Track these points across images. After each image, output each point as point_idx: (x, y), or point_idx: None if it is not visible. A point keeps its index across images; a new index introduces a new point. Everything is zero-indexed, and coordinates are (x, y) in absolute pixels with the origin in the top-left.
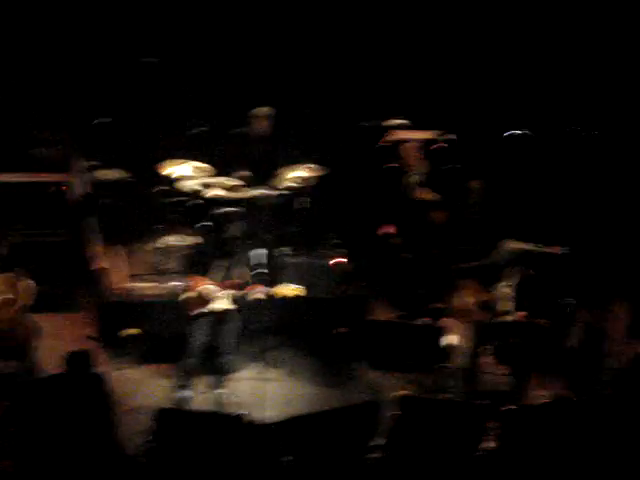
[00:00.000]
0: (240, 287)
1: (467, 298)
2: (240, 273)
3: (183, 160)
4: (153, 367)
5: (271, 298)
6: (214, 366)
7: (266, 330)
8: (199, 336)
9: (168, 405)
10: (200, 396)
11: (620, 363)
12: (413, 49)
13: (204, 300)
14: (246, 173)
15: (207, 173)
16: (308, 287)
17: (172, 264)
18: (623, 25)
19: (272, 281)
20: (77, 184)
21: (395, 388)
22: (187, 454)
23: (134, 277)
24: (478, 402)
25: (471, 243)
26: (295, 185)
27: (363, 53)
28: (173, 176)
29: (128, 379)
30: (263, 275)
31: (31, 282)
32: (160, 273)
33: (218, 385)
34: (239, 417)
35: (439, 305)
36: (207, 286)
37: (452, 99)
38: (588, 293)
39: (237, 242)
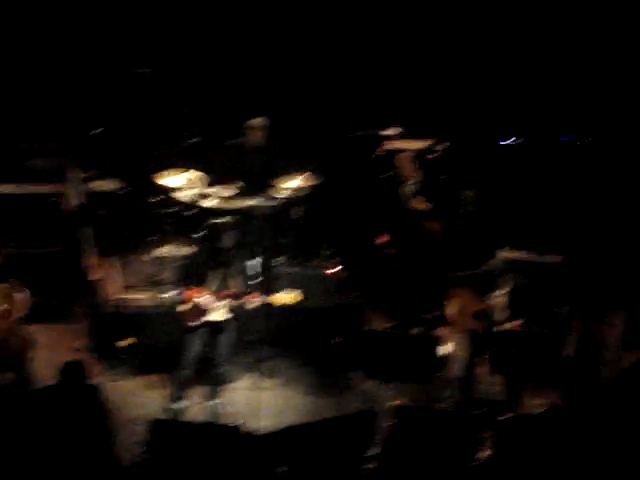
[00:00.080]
0: (236, 297)
1: (462, 307)
2: (235, 283)
3: (178, 170)
4: (148, 378)
5: (267, 307)
6: (209, 376)
7: (261, 340)
8: (194, 347)
9: (163, 416)
10: (195, 407)
11: (615, 372)
12: (408, 59)
13: (200, 311)
14: (241, 183)
15: (202, 183)
16: (302, 297)
17: (167, 275)
18: (618, 32)
19: (267, 291)
20: (72, 195)
21: (390, 398)
22: (182, 465)
23: (129, 288)
24: (473, 411)
25: (465, 252)
26: (290, 195)
27: (358, 63)
28: (168, 186)
29: (123, 390)
30: (258, 285)
31: (26, 293)
32: (155, 284)
33: (213, 395)
34: (235, 427)
35: (434, 314)
36: (203, 297)
37: (446, 108)
38: (583, 301)
39: (232, 252)
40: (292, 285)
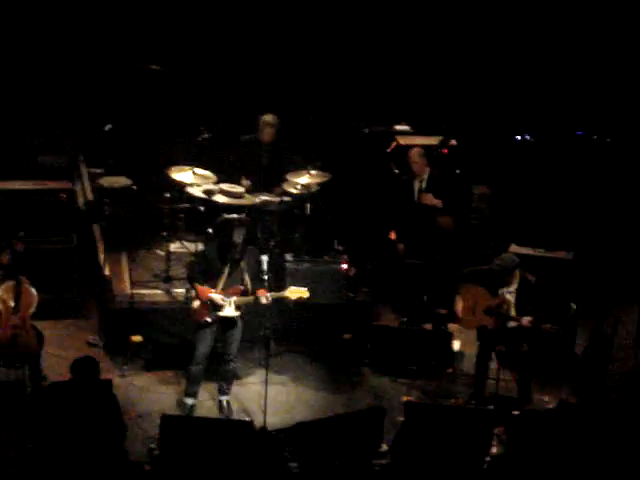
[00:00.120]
0: (246, 293)
1: (473, 303)
2: (246, 279)
3: (188, 167)
4: (160, 374)
5: (278, 303)
6: (221, 372)
7: (272, 336)
8: (205, 343)
9: (175, 412)
10: (207, 402)
11: (626, 368)
12: (417, 55)
13: (211, 307)
14: (252, 179)
15: (212, 180)
16: (313, 293)
17: (178, 270)
18: (627, 30)
19: (277, 287)
20: (83, 191)
21: (401, 393)
22: (193, 461)
23: (140, 284)
24: (484, 407)
25: (476, 248)
26: (300, 191)
27: (367, 60)
28: (179, 182)
29: (133, 386)
30: (269, 281)
31: (35, 290)
32: (166, 280)
33: (225, 391)
34: (246, 423)
35: (444, 310)
36: (214, 293)
37: (456, 105)
38: (594, 298)
39: (243, 248)
40: (303, 281)
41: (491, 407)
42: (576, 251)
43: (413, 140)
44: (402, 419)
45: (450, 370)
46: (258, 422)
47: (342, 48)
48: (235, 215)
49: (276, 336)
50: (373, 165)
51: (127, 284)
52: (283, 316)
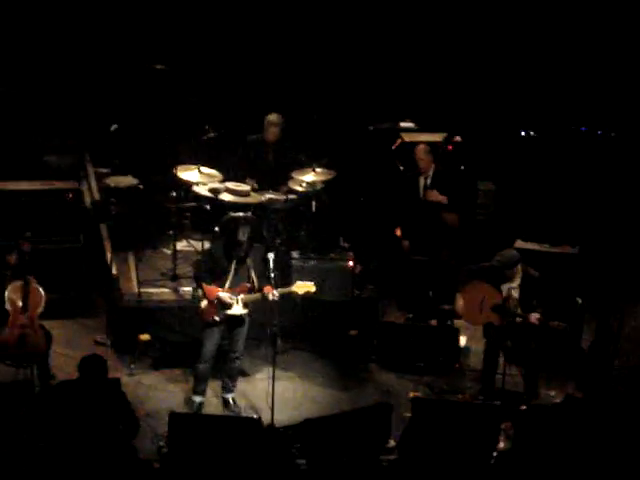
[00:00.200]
0: (252, 291)
1: (479, 299)
2: (252, 277)
3: (194, 166)
4: (167, 372)
5: (284, 301)
6: (228, 370)
7: (279, 333)
8: (213, 340)
9: (183, 409)
10: (213, 400)
11: (632, 362)
12: (421, 52)
13: (218, 305)
14: (257, 179)
15: (218, 178)
16: (319, 290)
17: (185, 269)
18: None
19: (283, 284)
20: (89, 191)
21: (407, 390)
22: (201, 458)
23: (147, 283)
24: (491, 403)
25: (481, 244)
26: (306, 189)
27: (372, 57)
28: (185, 181)
29: (141, 384)
30: (275, 279)
31: (43, 289)
32: (172, 279)
33: (232, 389)
34: (253, 420)
35: (451, 307)
36: (220, 292)
37: (462, 101)
38: (600, 293)
39: (248, 246)
40: (309, 278)
41: (498, 402)
42: (581, 246)
43: (418, 137)
44: (409, 415)
45: (457, 365)
46: (265, 419)
47: (346, 46)
48: (241, 213)
49: (283, 333)
50: (378, 162)
51: (134, 283)
52: (290, 313)
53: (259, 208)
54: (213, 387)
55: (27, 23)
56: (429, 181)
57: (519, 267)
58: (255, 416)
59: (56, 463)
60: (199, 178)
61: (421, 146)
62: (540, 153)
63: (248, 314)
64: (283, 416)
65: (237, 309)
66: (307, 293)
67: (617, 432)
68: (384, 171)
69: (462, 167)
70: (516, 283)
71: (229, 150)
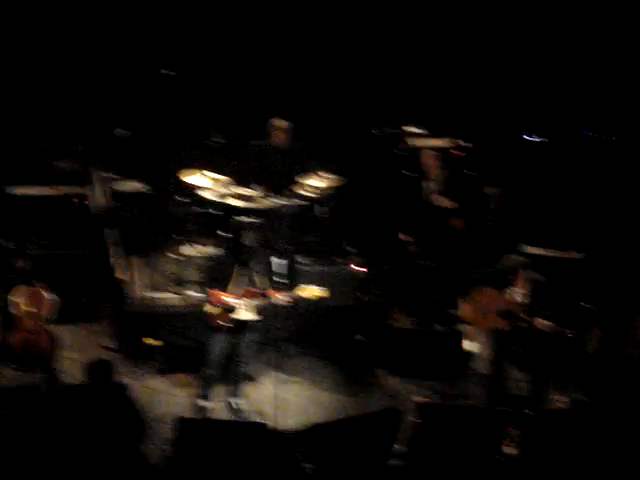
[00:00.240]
0: (261, 296)
1: (487, 305)
2: (260, 282)
3: (201, 171)
4: (174, 377)
5: (291, 305)
6: (235, 375)
7: (286, 338)
8: (220, 345)
9: (190, 414)
10: (221, 405)
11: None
12: (429, 56)
13: (225, 310)
14: (263, 184)
15: (225, 183)
16: (327, 294)
17: (193, 274)
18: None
19: (289, 289)
20: (98, 196)
21: (415, 395)
22: (207, 463)
23: (155, 287)
24: (498, 408)
25: (489, 249)
26: (313, 194)
27: (379, 61)
28: (193, 186)
29: (150, 389)
30: (283, 284)
31: (52, 294)
32: (180, 283)
33: (239, 394)
34: (260, 425)
35: (458, 312)
36: (226, 297)
37: (468, 106)
38: (608, 298)
39: (256, 252)
40: (316, 283)
41: (505, 408)
42: (588, 251)
43: (425, 142)
44: (416, 420)
45: (464, 371)
46: (272, 424)
47: (353, 51)
48: (247, 218)
49: (288, 338)
50: (385, 167)
51: (141, 288)
52: (295, 318)
53: (265, 213)
54: (220, 392)
55: (35, 28)
56: (435, 186)
57: (523, 272)
58: (261, 421)
59: (62, 467)
60: (205, 183)
61: (428, 151)
62: (547, 158)
63: (256, 319)
64: (290, 421)
65: (243, 314)
66: (315, 297)
67: (624, 438)
68: (391, 176)
69: (469, 172)
70: (521, 288)
71: (235, 155)
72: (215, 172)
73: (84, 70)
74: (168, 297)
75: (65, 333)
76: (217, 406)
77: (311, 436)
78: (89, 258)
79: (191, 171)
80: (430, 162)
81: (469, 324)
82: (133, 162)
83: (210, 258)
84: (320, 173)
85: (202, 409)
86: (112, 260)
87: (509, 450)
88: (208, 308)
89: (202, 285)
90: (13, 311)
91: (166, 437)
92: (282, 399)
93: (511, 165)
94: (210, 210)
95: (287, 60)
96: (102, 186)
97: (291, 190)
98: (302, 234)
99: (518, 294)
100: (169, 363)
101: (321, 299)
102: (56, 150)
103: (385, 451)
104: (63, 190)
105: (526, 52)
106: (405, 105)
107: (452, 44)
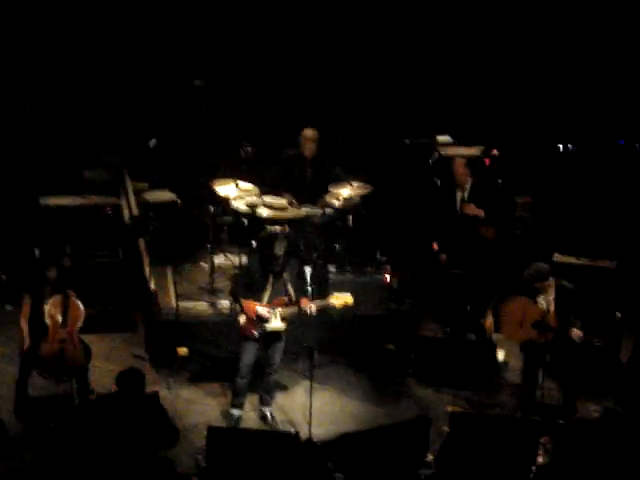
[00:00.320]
0: (289, 304)
1: (520, 316)
2: (288, 291)
3: (233, 180)
4: (204, 386)
5: (321, 315)
6: (265, 384)
7: (317, 347)
8: (250, 355)
9: (221, 424)
10: (251, 414)
11: None
12: (461, 67)
13: (255, 319)
14: (294, 194)
15: (257, 193)
16: (355, 304)
17: (223, 283)
18: None
19: (320, 298)
20: (128, 206)
21: (445, 404)
22: (239, 472)
23: (185, 297)
24: (530, 417)
25: (520, 258)
26: (342, 203)
27: (411, 71)
28: (222, 196)
29: (179, 398)
30: (312, 293)
31: (85, 304)
32: (210, 293)
33: (266, 403)
34: (290, 435)
35: (488, 321)
36: (258, 307)
37: (499, 114)
38: (638, 307)
39: (284, 260)
40: (346, 292)
41: (537, 417)
42: (620, 260)
43: (455, 151)
44: (447, 429)
45: (495, 380)
46: (303, 433)
47: (385, 62)
48: (278, 227)
49: (320, 347)
50: (416, 176)
51: (172, 297)
52: (327, 327)
53: (296, 222)
54: (251, 401)
55: (69, 43)
56: (466, 195)
57: (551, 280)
58: (293, 430)
59: (95, 477)
60: (236, 192)
61: (458, 160)
62: (578, 166)
63: (286, 328)
64: (321, 430)
65: (275, 323)
66: (345, 305)
67: None
68: (421, 185)
69: (499, 181)
70: (549, 296)
71: (266, 165)
72: (247, 182)
73: (116, 82)
74: (200, 306)
75: (97, 343)
76: (249, 415)
77: (342, 445)
78: (121, 268)
79: (223, 181)
80: (461, 171)
81: (503, 333)
82: (165, 172)
83: (241, 267)
84: (352, 182)
85: (234, 418)
86: (144, 270)
87: (542, 460)
88: (240, 317)
89: (234, 295)
90: (46, 321)
91: (199, 446)
92: (313, 408)
93: (543, 174)
94: (242, 220)
95: (319, 71)
96: (134, 196)
97: (322, 199)
98: (333, 243)
99: (547, 302)
100: (201, 372)
101: (352, 308)
102: (89, 160)
103: (416, 461)
104: (95, 200)
105: (560, 62)
106: (437, 114)
107: (484, 55)
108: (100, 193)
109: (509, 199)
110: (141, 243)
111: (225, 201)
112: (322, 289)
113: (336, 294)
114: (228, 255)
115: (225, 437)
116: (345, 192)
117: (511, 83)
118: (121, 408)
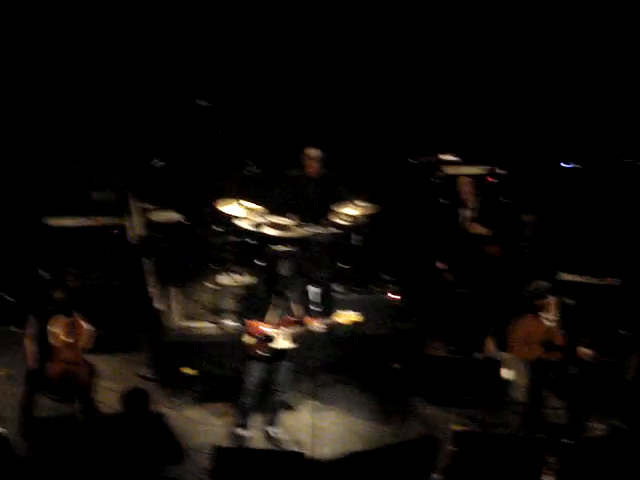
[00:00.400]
0: (296, 324)
1: (526, 333)
2: (296, 311)
3: (237, 200)
4: (211, 406)
5: (327, 334)
6: (271, 404)
7: (322, 367)
8: (256, 374)
9: (227, 444)
10: (258, 434)
11: None
12: (464, 85)
13: (262, 339)
14: (298, 213)
15: (261, 213)
16: (362, 323)
17: (229, 303)
18: None
19: (328, 317)
20: (134, 226)
21: (451, 423)
22: None
23: (191, 317)
24: (536, 436)
25: (525, 277)
26: (348, 223)
27: (415, 90)
28: (228, 216)
29: (185, 418)
30: (318, 312)
31: (90, 325)
32: (217, 313)
33: (275, 423)
34: (297, 454)
35: (494, 339)
36: (263, 327)
37: (503, 133)
38: None
39: (292, 280)
40: (353, 311)
41: (542, 435)
42: (624, 278)
43: (460, 169)
44: (453, 448)
45: (502, 399)
46: (309, 453)
47: (388, 80)
48: (282, 247)
49: (325, 366)
50: (420, 195)
51: (178, 317)
52: (332, 346)
53: (300, 242)
54: (257, 421)
55: (70, 62)
56: (471, 213)
57: (551, 298)
58: (298, 450)
59: None
60: (241, 212)
61: (464, 178)
62: (582, 185)
63: (292, 347)
64: (326, 450)
65: (280, 343)
66: (352, 322)
67: None
68: (426, 203)
69: (504, 199)
70: (552, 314)
71: (270, 184)
72: (251, 201)
73: (121, 102)
74: (205, 326)
75: (103, 363)
76: (254, 435)
77: (348, 465)
78: (127, 288)
79: (227, 201)
80: (465, 189)
81: (510, 351)
82: (170, 192)
83: (247, 287)
84: (355, 201)
85: (239, 438)
86: (150, 290)
87: (548, 479)
88: (245, 337)
89: (239, 314)
90: (52, 342)
91: (204, 466)
92: (319, 428)
93: (547, 192)
94: (246, 239)
95: (322, 90)
96: (139, 217)
97: (327, 219)
98: (338, 262)
99: (549, 320)
100: (206, 392)
101: (357, 327)
102: (94, 181)
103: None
104: (101, 221)
105: (563, 80)
106: (440, 133)
107: (490, 74)
108: (106, 214)
109: (514, 218)
110: (147, 263)
111: (230, 221)
112: (327, 308)
113: (340, 312)
114: (233, 275)
115: (231, 457)
116: (349, 211)
117: (517, 102)
118: (126, 428)
